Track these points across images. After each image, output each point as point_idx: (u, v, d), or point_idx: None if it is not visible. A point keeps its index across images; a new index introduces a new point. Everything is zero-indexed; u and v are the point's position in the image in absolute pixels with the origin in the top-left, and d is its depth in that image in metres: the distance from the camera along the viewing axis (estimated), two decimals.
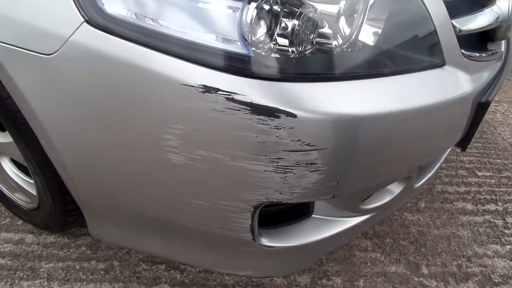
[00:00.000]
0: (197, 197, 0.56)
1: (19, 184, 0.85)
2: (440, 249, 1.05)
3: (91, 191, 0.62)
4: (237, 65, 0.47)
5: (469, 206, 1.20)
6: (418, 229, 1.11)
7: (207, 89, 0.46)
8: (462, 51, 0.67)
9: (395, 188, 0.74)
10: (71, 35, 0.48)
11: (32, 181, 0.82)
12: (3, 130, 0.77)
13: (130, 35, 0.47)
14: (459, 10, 0.66)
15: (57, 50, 0.49)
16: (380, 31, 0.56)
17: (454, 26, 0.63)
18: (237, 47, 0.47)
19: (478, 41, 0.77)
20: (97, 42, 0.47)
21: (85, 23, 0.48)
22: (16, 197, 0.93)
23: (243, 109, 0.46)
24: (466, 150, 1.41)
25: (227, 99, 0.46)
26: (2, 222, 0.99)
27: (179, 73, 0.46)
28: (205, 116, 0.47)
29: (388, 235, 1.08)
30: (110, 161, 0.56)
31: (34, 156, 0.66)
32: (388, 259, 1.01)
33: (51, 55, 0.50)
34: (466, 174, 1.33)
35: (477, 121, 0.76)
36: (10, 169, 0.84)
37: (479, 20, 0.69)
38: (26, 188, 0.84)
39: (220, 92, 0.46)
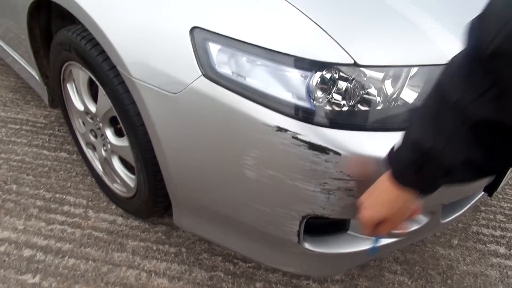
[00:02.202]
0: (261, 204, 0.75)
1: (122, 178, 1.11)
2: (466, 284, 1.15)
3: (185, 191, 0.84)
4: (302, 114, 0.66)
5: (502, 250, 1.27)
6: (447, 263, 1.21)
7: (280, 129, 0.66)
8: None
9: (422, 219, 0.88)
10: (191, 83, 0.71)
11: (133, 177, 1.08)
12: (121, 135, 1.04)
13: (231, 87, 0.69)
14: None
15: (180, 92, 0.72)
16: (417, 95, 0.73)
17: None
18: (303, 102, 0.66)
19: None
20: (209, 90, 0.70)
21: (202, 76, 0.70)
22: (115, 187, 1.20)
23: (303, 145, 0.66)
24: (508, 198, 1.47)
25: (293, 137, 0.66)
26: (101, 205, 1.26)
27: (262, 116, 0.67)
28: (276, 147, 0.67)
29: (418, 263, 1.19)
30: (203, 170, 0.78)
31: (144, 159, 0.91)
32: (415, 284, 1.13)
33: (176, 94, 0.73)
34: (504, 219, 1.40)
35: (502, 173, 0.88)
36: (118, 166, 1.11)
37: None
38: (127, 181, 1.10)
39: (288, 132, 0.66)
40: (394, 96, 0.72)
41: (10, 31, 1.31)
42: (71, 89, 1.15)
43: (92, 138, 1.18)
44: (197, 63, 0.71)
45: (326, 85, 0.67)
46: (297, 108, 0.67)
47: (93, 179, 1.33)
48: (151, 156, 0.89)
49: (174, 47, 0.72)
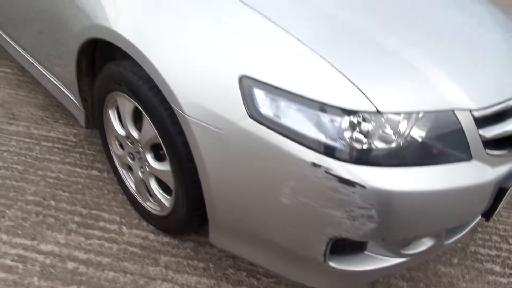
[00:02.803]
0: (293, 227, 0.88)
1: (158, 198, 1.22)
2: None
3: (225, 214, 0.96)
4: (333, 152, 0.79)
5: (497, 268, 1.39)
6: (448, 280, 1.33)
7: (315, 165, 0.79)
8: (487, 150, 0.94)
9: (428, 242, 1.01)
10: (238, 122, 0.84)
11: (168, 197, 1.20)
12: (161, 160, 1.16)
13: (273, 127, 0.82)
14: (486, 123, 0.94)
15: (228, 129, 0.85)
16: (425, 133, 0.86)
17: (480, 135, 0.91)
18: (334, 142, 0.80)
19: (504, 142, 1.03)
20: (253, 129, 0.83)
21: (248, 117, 0.84)
22: (147, 205, 1.31)
23: (334, 179, 0.79)
24: (503, 220, 1.60)
25: (325, 172, 0.79)
26: (133, 222, 1.37)
27: (299, 153, 0.80)
28: (310, 179, 0.80)
29: (422, 280, 1.31)
30: (244, 196, 0.90)
31: (186, 184, 1.03)
32: None
33: (224, 131, 0.86)
34: (499, 240, 1.52)
35: (498, 201, 1.02)
36: (155, 187, 1.22)
37: (501, 129, 0.96)
38: (162, 201, 1.21)
39: (322, 167, 0.79)
40: (406, 134, 0.85)
41: (55, 60, 1.43)
42: (112, 115, 1.28)
43: (129, 160, 1.30)
44: (244, 105, 0.84)
45: (353, 128, 0.80)
46: (328, 147, 0.80)
47: (124, 196, 1.45)
48: (193, 181, 1.01)
49: (224, 91, 0.85)
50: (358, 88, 0.81)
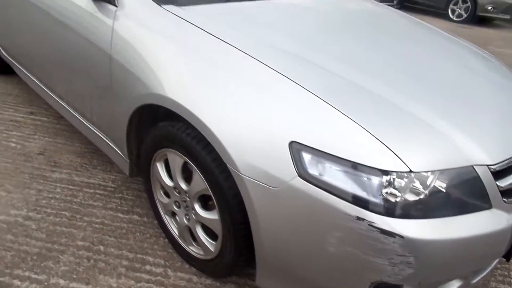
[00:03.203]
0: (339, 271, 0.99)
1: (203, 243, 1.34)
2: None
3: (274, 259, 1.08)
4: (373, 207, 0.92)
5: None
6: None
7: (359, 218, 0.92)
8: (504, 199, 1.06)
9: (457, 283, 1.11)
10: (289, 181, 0.97)
11: (214, 242, 1.31)
12: (207, 209, 1.28)
13: (320, 185, 0.95)
14: (501, 174, 1.07)
15: (280, 187, 0.98)
16: (449, 186, 0.99)
17: (497, 185, 1.04)
18: (374, 198, 0.92)
19: None
20: (302, 186, 0.96)
21: (297, 176, 0.97)
22: (191, 249, 1.42)
23: (376, 231, 0.91)
24: None
25: (369, 224, 0.91)
26: (177, 264, 1.48)
27: (345, 208, 0.92)
28: (355, 231, 0.92)
29: None
30: (293, 244, 1.02)
31: (235, 231, 1.15)
32: None
33: (276, 188, 0.99)
34: None
35: None
36: (201, 233, 1.34)
37: None
38: (208, 246, 1.33)
39: (365, 221, 0.91)
40: (433, 188, 0.98)
41: (105, 118, 1.59)
42: (160, 167, 1.41)
43: (175, 207, 1.43)
44: (294, 166, 0.97)
45: (389, 185, 0.93)
46: (369, 202, 0.92)
47: (166, 240, 1.56)
48: (242, 229, 1.13)
49: (276, 153, 0.99)
50: (392, 151, 0.94)
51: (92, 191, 1.85)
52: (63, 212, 1.69)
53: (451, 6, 8.22)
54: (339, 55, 1.24)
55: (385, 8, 2.02)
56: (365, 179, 0.93)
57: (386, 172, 0.93)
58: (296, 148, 0.98)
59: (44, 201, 1.74)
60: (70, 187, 1.86)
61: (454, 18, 8.21)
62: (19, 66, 2.43)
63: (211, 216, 1.25)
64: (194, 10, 1.34)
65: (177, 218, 1.44)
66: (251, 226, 1.08)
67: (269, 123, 1.02)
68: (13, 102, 2.62)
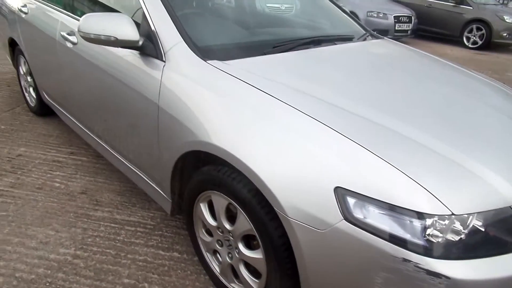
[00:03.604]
0: None
1: (246, 280, 1.39)
2: None
3: None
4: (418, 249, 0.97)
5: None
6: None
7: (405, 260, 0.97)
8: None
9: None
10: (335, 224, 1.04)
11: (257, 280, 1.36)
12: (250, 247, 1.35)
13: (365, 228, 1.01)
14: None
15: (326, 229, 1.05)
16: (488, 226, 1.03)
17: None
18: (419, 241, 0.98)
19: None
20: (348, 229, 1.02)
21: (343, 219, 1.03)
22: (232, 286, 1.47)
23: (422, 272, 0.95)
24: None
25: (415, 266, 0.96)
26: None
27: (391, 250, 0.98)
28: (402, 272, 0.97)
29: None
30: (339, 284, 1.07)
31: (280, 269, 1.21)
32: None
33: (323, 231, 1.05)
34: None
35: None
36: (244, 271, 1.40)
37: None
38: (250, 283, 1.38)
39: (411, 262, 0.96)
40: (473, 228, 1.02)
41: (150, 161, 1.70)
42: (204, 208, 1.50)
43: (217, 246, 1.49)
44: (339, 210, 1.04)
45: (432, 227, 0.99)
46: (414, 244, 0.98)
47: (207, 277, 1.62)
48: (287, 268, 1.19)
49: (322, 198, 1.06)
50: (433, 195, 1.00)
51: (133, 229, 1.94)
52: (108, 250, 1.78)
53: (465, 33, 8.33)
54: (374, 102, 1.33)
55: (412, 51, 2.12)
56: (408, 222, 0.99)
57: (429, 216, 0.98)
58: (341, 193, 1.05)
59: (89, 240, 1.84)
60: (113, 225, 1.95)
61: (470, 45, 8.29)
62: (61, 109, 2.62)
63: (256, 255, 1.32)
64: (236, 64, 1.46)
65: (219, 256, 1.51)
66: (297, 266, 1.14)
67: (314, 169, 1.09)
68: (54, 143, 2.79)
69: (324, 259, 1.08)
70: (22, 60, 3.10)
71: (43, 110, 3.11)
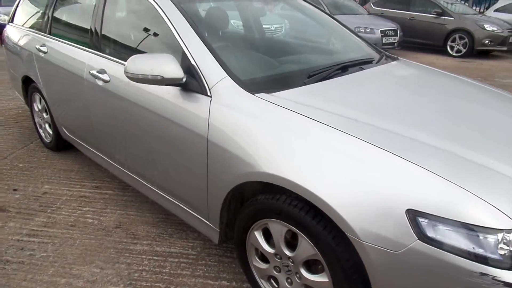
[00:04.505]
0: None
1: None
2: None
3: None
4: (493, 263, 1.04)
5: None
6: None
7: (482, 274, 1.03)
8: None
9: None
10: (410, 244, 1.10)
11: None
12: (313, 272, 1.39)
13: (440, 246, 1.07)
14: None
15: (401, 250, 1.11)
16: None
17: None
18: (493, 254, 1.04)
19: None
20: (423, 249, 1.08)
21: (417, 240, 1.09)
22: None
23: (499, 284, 1.02)
24: None
25: (492, 279, 1.02)
26: None
27: (468, 266, 1.04)
28: (480, 285, 1.03)
29: None
30: None
31: None
32: None
33: (397, 252, 1.11)
34: None
35: None
36: None
37: None
38: None
39: (489, 276, 1.03)
40: None
41: (196, 194, 1.73)
42: (259, 236, 1.54)
43: (274, 272, 1.53)
44: (412, 230, 1.10)
45: (503, 241, 1.06)
46: (489, 258, 1.04)
47: None
48: None
49: (394, 220, 1.12)
50: (501, 211, 1.08)
51: (176, 260, 1.95)
52: (157, 284, 1.79)
53: (449, 43, 8.67)
54: (426, 126, 1.41)
55: (432, 70, 2.24)
56: (482, 237, 1.06)
57: (499, 230, 1.06)
58: (412, 215, 1.11)
59: (136, 275, 1.85)
60: (155, 258, 1.96)
61: (454, 54, 8.63)
62: (84, 144, 2.63)
63: (320, 278, 1.36)
64: (283, 95, 1.53)
65: (275, 282, 1.54)
66: (372, 287, 1.19)
67: (384, 195, 1.15)
68: (77, 177, 2.79)
69: (399, 279, 1.13)
70: (37, 97, 3.12)
71: (60, 145, 3.12)
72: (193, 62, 1.67)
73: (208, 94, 1.60)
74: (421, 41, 9.09)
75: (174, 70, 1.60)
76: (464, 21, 8.49)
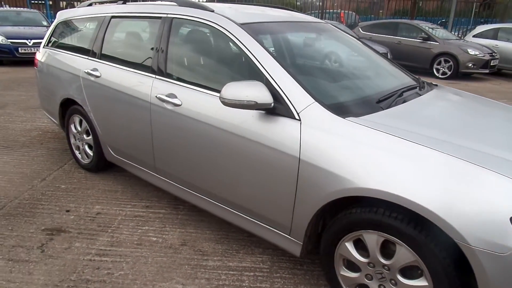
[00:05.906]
0: None
1: None
2: None
3: None
4: None
5: None
6: None
7: None
8: None
9: None
10: None
11: None
12: (408, 277, 1.54)
13: None
14: None
15: (507, 253, 1.28)
16: None
17: None
18: None
19: None
20: None
21: None
22: None
23: None
24: None
25: None
26: None
27: None
28: None
29: None
30: None
31: None
32: None
33: (504, 254, 1.29)
34: None
35: None
36: None
37: None
38: None
39: None
40: None
41: (279, 210, 1.85)
42: (350, 247, 1.68)
43: (366, 280, 1.67)
44: None
45: None
46: None
47: None
48: None
49: (499, 226, 1.29)
50: None
51: (252, 273, 2.05)
52: None
53: (435, 65, 9.24)
54: (500, 144, 1.62)
55: (472, 95, 2.50)
56: None
57: None
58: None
59: None
60: (231, 272, 2.05)
61: (440, 76, 9.18)
62: (134, 164, 2.71)
63: (420, 283, 1.51)
64: (370, 119, 1.71)
65: None
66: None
67: (489, 206, 1.32)
68: (124, 198, 2.85)
69: (506, 278, 1.30)
70: (77, 119, 3.18)
71: (100, 166, 3.17)
72: (278, 89, 1.83)
73: (297, 118, 1.76)
74: (409, 63, 9.62)
75: (265, 96, 1.75)
76: (449, 45, 9.11)
